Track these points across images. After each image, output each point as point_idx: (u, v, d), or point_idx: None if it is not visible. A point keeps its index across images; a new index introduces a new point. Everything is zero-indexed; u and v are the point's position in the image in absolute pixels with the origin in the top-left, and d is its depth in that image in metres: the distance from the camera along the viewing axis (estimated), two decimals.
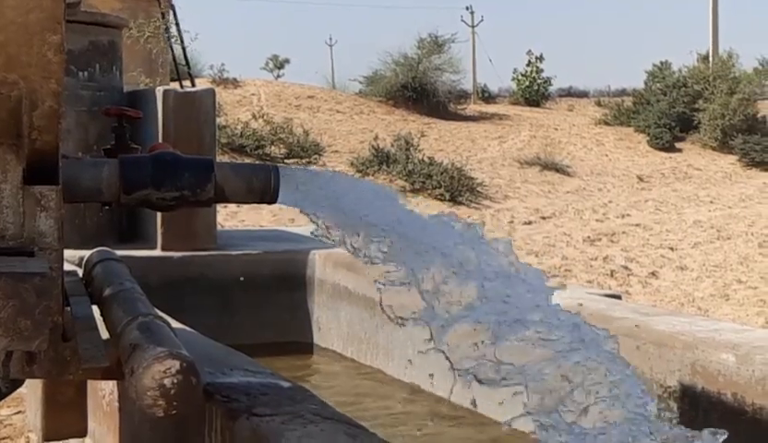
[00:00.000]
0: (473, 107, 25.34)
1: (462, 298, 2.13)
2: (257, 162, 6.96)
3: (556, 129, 22.12)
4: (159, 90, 5.84)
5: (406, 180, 14.58)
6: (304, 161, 15.52)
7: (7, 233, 1.93)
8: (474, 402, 4.26)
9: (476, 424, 4.22)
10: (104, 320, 2.35)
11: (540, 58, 28.84)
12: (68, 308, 2.31)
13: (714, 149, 20.86)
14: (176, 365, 1.82)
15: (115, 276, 2.71)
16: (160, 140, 5.32)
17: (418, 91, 22.43)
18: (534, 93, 28.09)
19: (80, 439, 3.95)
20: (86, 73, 5.95)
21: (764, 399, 3.17)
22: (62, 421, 3.95)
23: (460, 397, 4.48)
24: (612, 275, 9.96)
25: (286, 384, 2.44)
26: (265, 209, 11.63)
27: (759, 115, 21.52)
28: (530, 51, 29.33)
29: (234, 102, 19.83)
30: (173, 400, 1.81)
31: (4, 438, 4.11)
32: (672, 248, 11.46)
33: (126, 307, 2.28)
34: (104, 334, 2.26)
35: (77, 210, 5.38)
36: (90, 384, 3.71)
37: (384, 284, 2.22)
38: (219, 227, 6.50)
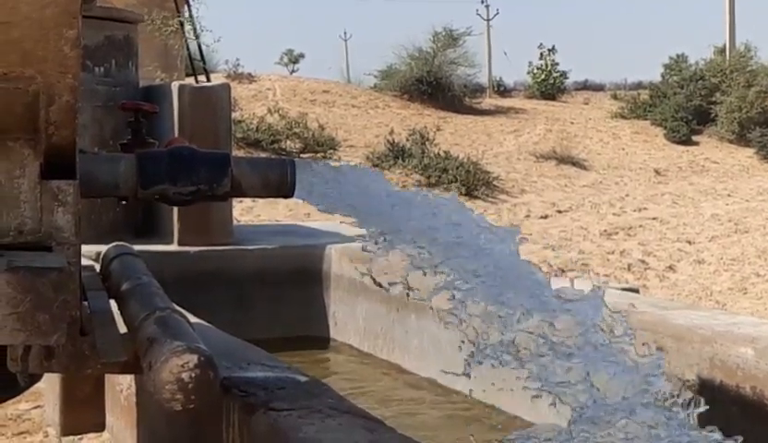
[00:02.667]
0: (488, 101, 25.28)
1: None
2: (272, 157, 6.97)
3: (572, 123, 22.03)
4: (174, 85, 5.85)
5: (422, 174, 14.56)
6: (319, 155, 15.52)
7: (25, 227, 1.94)
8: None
9: (491, 417, 4.21)
10: (122, 315, 2.36)
11: (552, 50, 28.74)
12: (86, 303, 2.32)
13: (731, 142, 20.74)
14: (194, 359, 1.82)
15: (132, 271, 2.71)
16: (176, 135, 5.33)
17: (433, 85, 22.38)
18: (549, 87, 27.99)
19: (98, 434, 3.96)
20: (102, 68, 5.97)
21: None
22: (80, 416, 3.97)
23: (477, 391, 4.47)
24: (629, 269, 9.92)
25: (303, 378, 2.44)
26: (281, 203, 11.64)
27: None
28: (541, 44, 29.27)
29: (249, 97, 19.85)
30: (190, 394, 1.81)
31: (22, 433, 4.13)
32: (689, 242, 11.41)
33: (144, 302, 2.28)
34: (122, 329, 2.27)
35: (93, 205, 5.40)
36: (108, 379, 3.72)
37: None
38: (235, 222, 6.50)
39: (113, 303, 2.50)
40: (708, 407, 2.08)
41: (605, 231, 12.00)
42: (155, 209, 5.92)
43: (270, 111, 17.16)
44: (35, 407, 4.38)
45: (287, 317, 5.76)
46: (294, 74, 32.74)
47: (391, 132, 16.93)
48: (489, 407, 4.32)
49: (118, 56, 6.11)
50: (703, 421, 2.24)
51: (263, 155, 14.07)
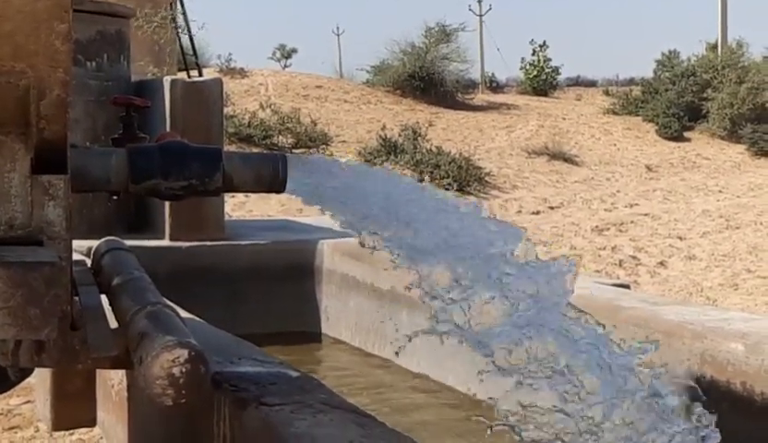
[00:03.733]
0: (480, 97, 25.26)
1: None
2: (265, 152, 6.95)
3: (564, 119, 22.05)
4: (166, 80, 5.84)
5: (414, 170, 14.55)
6: (311, 150, 15.50)
7: (16, 222, 1.93)
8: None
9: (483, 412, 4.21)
10: (113, 310, 2.36)
11: (543, 46, 28.74)
12: (77, 298, 2.31)
13: (722, 138, 20.78)
14: (185, 354, 1.82)
15: (124, 265, 2.71)
16: (167, 130, 5.32)
17: (426, 81, 22.36)
18: (541, 83, 28.00)
19: (89, 429, 3.96)
20: (94, 63, 5.95)
21: None
22: (71, 410, 3.96)
23: (469, 386, 4.48)
24: (620, 265, 9.93)
25: (295, 373, 2.44)
26: (273, 199, 11.62)
27: None
28: (533, 40, 29.27)
29: (241, 92, 19.81)
30: (181, 389, 1.81)
31: (13, 427, 4.12)
32: (681, 238, 11.43)
33: (135, 297, 2.28)
34: (113, 323, 2.27)
35: (85, 200, 5.39)
36: (100, 374, 3.72)
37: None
38: (227, 217, 6.50)
39: (104, 298, 2.50)
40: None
41: (596, 227, 12.01)
42: (147, 204, 5.91)
43: (262, 106, 17.12)
44: (26, 402, 4.37)
45: (279, 313, 5.76)
46: (286, 69, 32.68)
47: (383, 127, 16.91)
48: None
49: (110, 51, 6.09)
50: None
51: (255, 150, 14.04)
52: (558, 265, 2.18)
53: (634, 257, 10.31)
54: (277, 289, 5.78)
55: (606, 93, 26.83)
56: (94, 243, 3.22)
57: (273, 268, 5.81)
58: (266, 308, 5.74)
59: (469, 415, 4.28)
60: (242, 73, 22.21)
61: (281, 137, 15.91)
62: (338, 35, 42.48)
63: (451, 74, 23.19)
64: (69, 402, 3.97)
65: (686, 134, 21.09)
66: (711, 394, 3.27)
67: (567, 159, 17.67)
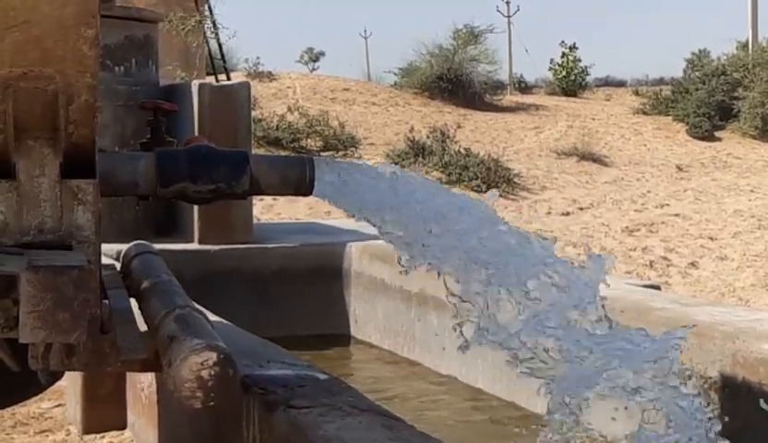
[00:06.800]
0: (509, 98, 25.18)
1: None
2: (292, 155, 6.96)
3: (593, 119, 21.93)
4: (194, 84, 5.87)
5: (442, 172, 14.53)
6: (339, 153, 15.51)
7: (45, 226, 1.95)
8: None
9: (512, 414, 4.20)
10: (142, 313, 2.37)
11: (573, 48, 28.61)
12: (106, 301, 2.33)
13: (754, 137, 20.58)
14: (213, 356, 1.83)
15: (153, 269, 2.72)
16: (196, 134, 5.34)
17: (454, 83, 22.31)
18: (570, 83, 27.87)
19: (120, 432, 3.98)
20: (122, 67, 5.99)
21: None
22: (101, 413, 3.99)
23: (495, 388, 4.46)
24: (651, 266, 9.86)
25: (323, 376, 2.43)
26: (301, 201, 11.64)
27: None
28: (563, 42, 29.14)
29: (269, 96, 19.86)
30: (210, 391, 1.82)
31: (44, 431, 4.15)
32: (712, 238, 11.33)
33: (164, 300, 2.29)
34: (142, 327, 2.28)
35: (114, 204, 5.42)
36: (129, 377, 3.74)
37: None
38: (255, 220, 6.51)
39: (133, 301, 2.51)
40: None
41: (626, 227, 11.94)
42: (176, 208, 5.94)
43: (290, 109, 17.16)
44: (57, 405, 4.40)
45: (307, 315, 5.77)
46: (314, 72, 32.77)
47: (412, 130, 16.90)
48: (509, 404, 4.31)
49: (138, 56, 6.13)
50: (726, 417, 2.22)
51: (283, 153, 14.07)
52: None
53: (665, 258, 10.23)
54: (305, 291, 5.78)
55: (636, 93, 26.65)
56: (123, 246, 3.24)
57: (301, 270, 5.82)
58: (294, 311, 5.74)
59: (497, 418, 4.27)
60: (270, 76, 22.29)
61: (309, 139, 15.94)
62: (365, 38, 42.54)
63: (479, 75, 23.13)
64: (100, 406, 3.99)
65: (717, 133, 20.91)
66: (742, 395, 3.24)
67: (596, 159, 17.57)
